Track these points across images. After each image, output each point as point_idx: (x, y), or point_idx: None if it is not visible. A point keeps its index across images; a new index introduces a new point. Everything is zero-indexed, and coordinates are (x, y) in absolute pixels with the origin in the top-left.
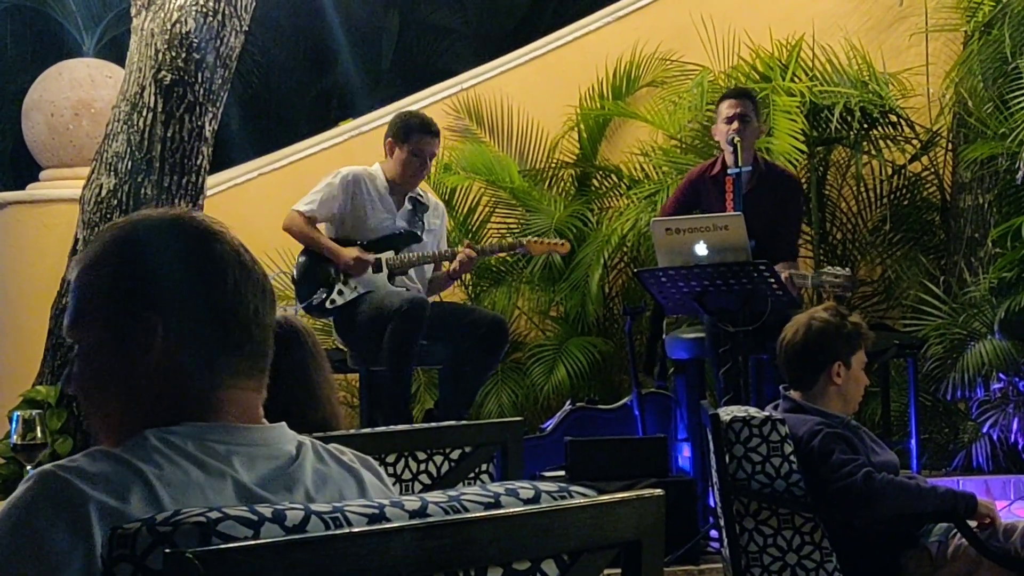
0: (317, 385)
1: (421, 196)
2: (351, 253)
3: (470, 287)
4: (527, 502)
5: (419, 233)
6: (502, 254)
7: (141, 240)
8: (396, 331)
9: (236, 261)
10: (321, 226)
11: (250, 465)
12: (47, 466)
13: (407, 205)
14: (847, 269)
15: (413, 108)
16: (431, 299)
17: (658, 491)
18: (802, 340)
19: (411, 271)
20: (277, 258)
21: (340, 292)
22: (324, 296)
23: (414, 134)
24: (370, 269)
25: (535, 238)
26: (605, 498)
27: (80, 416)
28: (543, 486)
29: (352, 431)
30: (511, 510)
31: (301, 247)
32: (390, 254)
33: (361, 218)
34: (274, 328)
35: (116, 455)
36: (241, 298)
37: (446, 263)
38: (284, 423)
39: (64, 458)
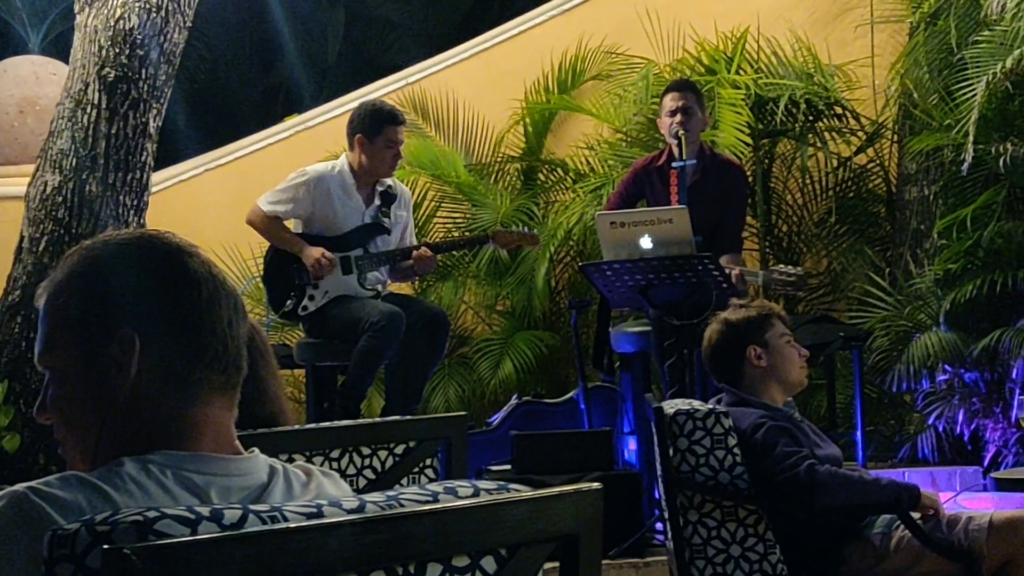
0: (265, 381)
1: (391, 187)
2: (315, 253)
3: (416, 281)
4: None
5: (386, 225)
6: (463, 250)
7: (110, 259)
8: (369, 344)
9: (208, 275)
10: (289, 222)
11: (226, 496)
12: (21, 487)
13: (376, 200)
14: (799, 268)
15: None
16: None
17: (596, 485)
18: (712, 344)
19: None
20: (224, 254)
21: (311, 297)
22: (295, 303)
23: (386, 126)
24: (339, 270)
25: (503, 228)
26: (542, 492)
27: (27, 413)
28: (482, 484)
29: (298, 427)
30: (448, 504)
31: (250, 246)
32: (359, 252)
33: (329, 217)
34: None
35: (92, 483)
36: (216, 311)
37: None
38: (257, 450)
39: (31, 474)
